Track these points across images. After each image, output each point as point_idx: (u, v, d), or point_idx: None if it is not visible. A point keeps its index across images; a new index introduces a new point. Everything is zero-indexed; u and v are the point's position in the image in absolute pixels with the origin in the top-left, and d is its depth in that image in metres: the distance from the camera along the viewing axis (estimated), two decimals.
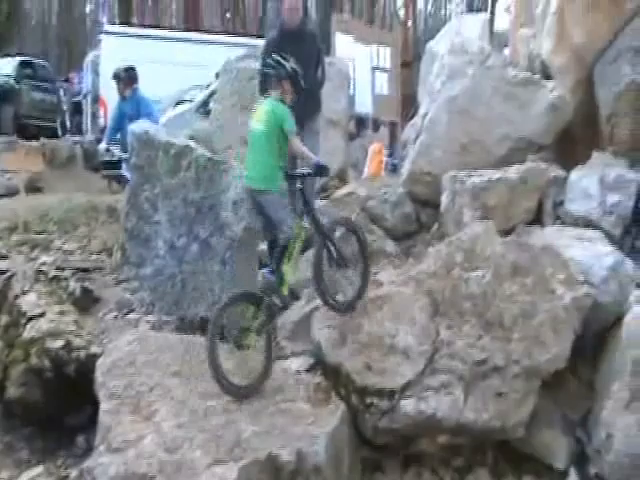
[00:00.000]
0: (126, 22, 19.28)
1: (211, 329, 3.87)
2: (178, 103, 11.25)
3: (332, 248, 4.56)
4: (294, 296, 5.08)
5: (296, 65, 4.47)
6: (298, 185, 4.52)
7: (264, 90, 5.40)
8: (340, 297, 4.55)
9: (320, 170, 4.44)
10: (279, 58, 4.48)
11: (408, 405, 3.83)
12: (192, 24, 21.15)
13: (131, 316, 5.08)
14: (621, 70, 6.32)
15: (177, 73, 12.11)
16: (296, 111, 4.71)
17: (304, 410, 3.82)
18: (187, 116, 10.37)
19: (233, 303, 4.13)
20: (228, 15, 31.35)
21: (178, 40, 13.86)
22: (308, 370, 4.33)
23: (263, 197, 4.38)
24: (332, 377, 4.14)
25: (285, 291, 4.37)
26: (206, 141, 7.61)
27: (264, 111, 4.41)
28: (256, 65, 5.93)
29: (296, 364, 4.42)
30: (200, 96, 10.98)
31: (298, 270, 4.65)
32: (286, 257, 4.31)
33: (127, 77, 7.18)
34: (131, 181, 5.24)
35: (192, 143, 5.03)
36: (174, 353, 4.21)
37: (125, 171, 6.89)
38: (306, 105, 5.29)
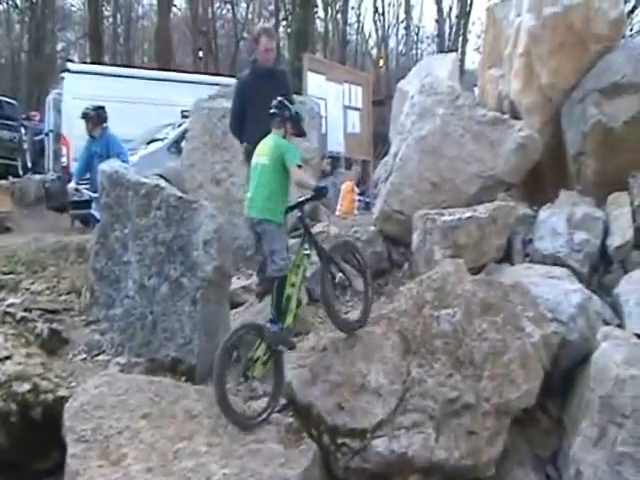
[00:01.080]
0: (97, 61, 19.30)
1: (219, 357, 3.98)
2: (150, 142, 11.25)
3: (335, 271, 4.85)
4: None
5: (295, 110, 4.73)
6: (298, 213, 4.70)
7: (236, 129, 5.47)
8: (350, 316, 4.88)
9: (319, 193, 4.61)
10: (284, 101, 4.71)
11: (380, 444, 3.80)
12: (164, 63, 21.22)
13: (100, 358, 4.97)
14: (587, 111, 6.49)
15: (140, 111, 12.11)
16: None
17: (275, 451, 3.76)
18: (159, 155, 10.36)
19: (242, 333, 4.27)
20: (201, 54, 31.65)
21: (141, 78, 13.82)
22: (279, 411, 4.28)
23: (262, 227, 4.50)
24: (303, 417, 4.10)
25: (289, 320, 4.40)
26: (177, 180, 7.63)
27: (268, 146, 4.58)
28: (227, 104, 5.98)
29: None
30: (172, 135, 11.00)
31: (305, 297, 4.94)
32: (287, 286, 4.42)
33: (96, 116, 7.18)
34: (101, 221, 5.20)
35: (162, 182, 5.03)
36: (144, 395, 4.13)
37: (94, 211, 6.86)
38: None
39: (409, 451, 3.76)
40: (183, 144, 8.11)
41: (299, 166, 4.51)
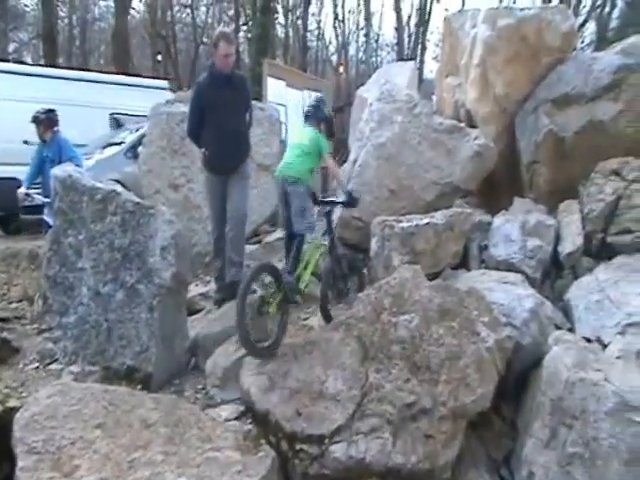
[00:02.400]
0: (51, 62, 18.76)
1: (242, 290, 4.33)
2: (106, 146, 11.05)
3: (338, 273, 5.35)
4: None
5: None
6: (327, 208, 5.34)
7: (194, 135, 5.44)
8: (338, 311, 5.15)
9: (352, 200, 5.29)
10: (319, 103, 5.46)
11: (338, 450, 3.80)
12: (121, 66, 20.85)
13: (53, 367, 4.87)
14: (539, 121, 6.67)
15: (64, 113, 11.78)
16: (225, 155, 4.96)
17: (233, 459, 3.73)
18: (115, 160, 10.18)
19: (264, 271, 4.71)
20: (159, 58, 31.24)
21: (66, 79, 12.82)
22: (237, 418, 4.27)
23: (294, 187, 4.97)
24: (261, 424, 4.08)
25: (303, 289, 4.97)
26: (134, 185, 7.53)
27: (307, 132, 5.23)
28: (186, 109, 5.93)
29: (225, 412, 4.35)
30: (129, 139, 10.82)
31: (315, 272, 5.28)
32: (303, 263, 4.99)
33: (47, 119, 7.04)
34: (53, 227, 5.09)
35: (118, 188, 4.96)
36: (98, 404, 4.04)
37: (47, 216, 6.71)
38: (235, 149, 5.39)
39: (367, 456, 3.77)
40: (140, 149, 7.99)
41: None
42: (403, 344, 4.19)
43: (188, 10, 33.65)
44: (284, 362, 4.39)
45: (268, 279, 4.78)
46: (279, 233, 6.71)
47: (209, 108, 5.31)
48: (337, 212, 6.20)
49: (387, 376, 4.08)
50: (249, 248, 6.58)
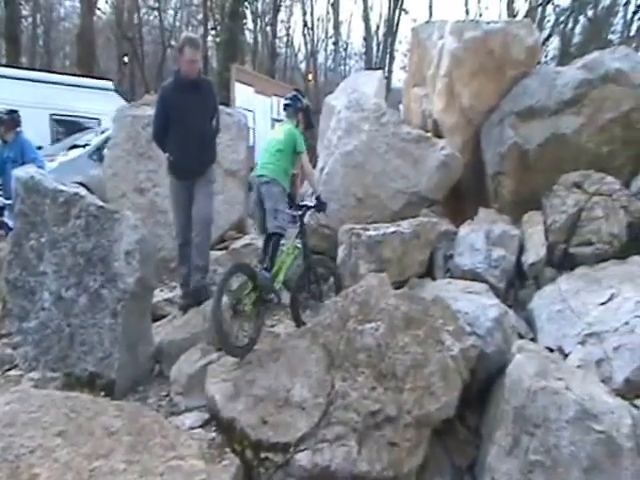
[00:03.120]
0: (14, 63, 18.37)
1: (218, 288, 4.41)
2: (71, 148, 10.86)
3: (312, 278, 5.44)
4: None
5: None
6: (299, 213, 5.39)
7: (159, 140, 5.38)
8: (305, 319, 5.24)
9: (321, 205, 5.41)
10: (297, 94, 5.57)
11: (303, 458, 3.78)
12: (86, 67, 20.52)
13: (12, 373, 4.75)
14: (504, 132, 6.79)
15: None
16: (190, 160, 4.95)
17: (197, 467, 3.67)
18: (80, 162, 10.00)
19: (239, 270, 4.79)
20: (126, 60, 30.90)
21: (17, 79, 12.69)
22: (202, 426, 4.22)
23: (268, 187, 5.05)
24: (226, 432, 4.04)
25: (278, 287, 5.04)
26: (99, 189, 7.41)
27: (283, 128, 5.34)
28: (152, 112, 5.86)
29: (190, 420, 4.30)
30: (94, 141, 10.65)
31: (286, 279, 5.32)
32: (277, 265, 5.04)
33: (10, 120, 6.91)
34: (14, 229, 4.97)
35: (82, 191, 4.87)
36: (59, 411, 3.95)
37: (7, 219, 6.57)
38: (201, 154, 5.34)
39: (332, 464, 3.76)
40: (105, 152, 7.87)
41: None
42: (369, 352, 4.20)
43: (156, 12, 33.39)
44: (250, 369, 4.36)
45: (243, 278, 4.81)
46: (246, 239, 6.68)
47: (174, 113, 5.24)
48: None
49: (353, 384, 4.08)
50: (215, 254, 6.53)
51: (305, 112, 5.50)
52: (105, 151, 8.00)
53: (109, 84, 14.43)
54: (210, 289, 5.27)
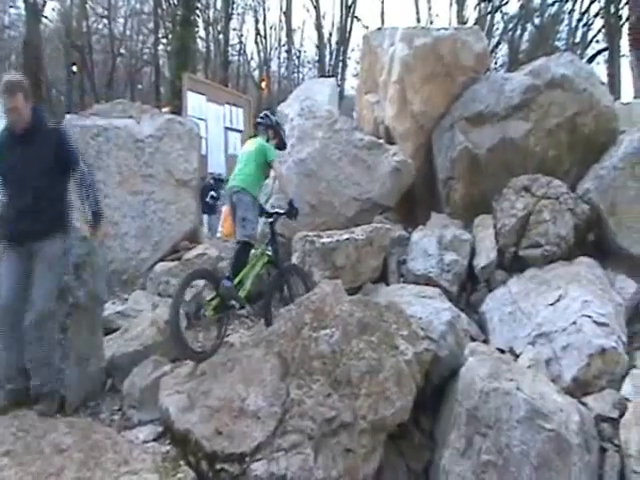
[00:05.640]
0: None
1: (176, 295, 4.45)
2: None
3: (284, 284, 5.46)
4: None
5: None
6: (270, 220, 5.50)
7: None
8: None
9: (292, 211, 5.41)
10: (268, 113, 5.87)
11: (259, 468, 3.75)
12: (33, 76, 20.00)
13: None
14: (455, 138, 6.91)
15: None
16: (23, 220, 4.21)
17: None
18: None
19: (198, 276, 4.93)
20: (75, 69, 30.29)
21: None
22: (156, 439, 4.15)
23: (238, 196, 5.17)
24: (181, 444, 3.98)
25: (243, 294, 5.05)
26: None
27: (254, 141, 5.53)
28: (102, 122, 5.72)
29: (143, 433, 4.23)
30: None
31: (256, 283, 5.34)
32: (246, 270, 5.09)
33: None
34: None
35: None
36: (6, 430, 3.85)
37: None
38: (37, 214, 4.24)
39: (288, 473, 3.74)
40: None
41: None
42: (324, 359, 4.20)
43: (105, 20, 32.88)
44: (204, 380, 4.31)
45: (203, 283, 4.86)
46: (199, 249, 6.61)
47: (5, 168, 4.31)
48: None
49: (308, 392, 4.07)
50: (168, 265, 6.45)
51: (276, 130, 5.67)
52: None
53: None
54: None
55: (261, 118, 5.75)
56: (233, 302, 4.95)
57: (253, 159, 5.33)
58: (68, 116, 7.35)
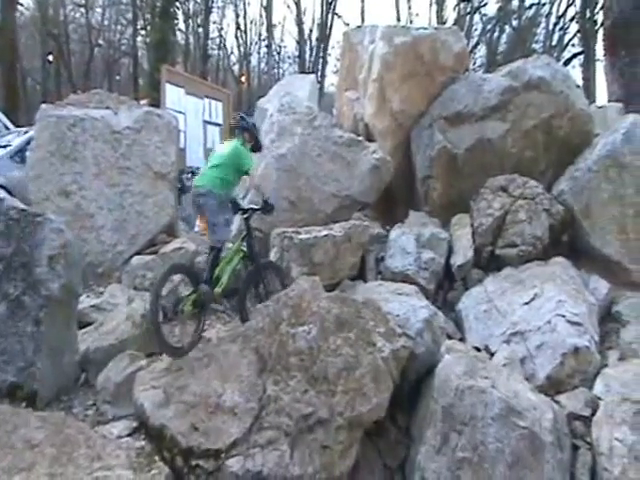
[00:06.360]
0: None
1: (154, 290, 4.44)
2: None
3: (260, 281, 5.44)
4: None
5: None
6: (245, 216, 5.44)
7: None
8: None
9: (267, 207, 5.41)
10: (243, 115, 5.71)
11: (234, 464, 3.74)
12: (8, 64, 19.62)
13: None
14: (434, 137, 6.94)
15: None
16: None
17: (124, 477, 3.58)
18: (0, 163, 9.55)
19: (176, 271, 4.92)
20: (50, 58, 29.81)
21: None
22: (130, 434, 4.11)
23: (205, 199, 5.05)
24: (156, 440, 3.95)
25: (220, 291, 5.06)
26: (21, 191, 7.10)
27: (230, 145, 5.38)
28: (78, 112, 5.61)
29: (117, 429, 4.18)
30: (16, 142, 10.18)
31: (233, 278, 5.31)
32: (223, 263, 5.13)
33: None
34: None
35: (1, 193, 4.66)
36: None
37: None
38: None
39: (264, 469, 3.73)
40: (28, 153, 7.55)
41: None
42: (301, 355, 4.20)
43: (82, 10, 32.41)
44: (180, 375, 4.28)
45: (180, 278, 4.88)
46: (177, 243, 6.56)
47: None
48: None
49: (285, 388, 4.06)
50: (145, 258, 6.39)
51: (251, 132, 5.58)
52: (28, 152, 7.68)
53: None
54: None
55: (236, 120, 5.66)
56: (213, 306, 5.05)
57: (224, 162, 5.21)
58: (44, 106, 7.21)
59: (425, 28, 7.57)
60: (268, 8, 34.21)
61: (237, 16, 34.97)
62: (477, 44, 30.53)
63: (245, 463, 3.75)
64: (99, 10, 34.63)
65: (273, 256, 5.87)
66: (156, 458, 3.85)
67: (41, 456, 3.59)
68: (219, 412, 3.98)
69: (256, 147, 5.73)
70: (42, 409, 4.24)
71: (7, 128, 12.17)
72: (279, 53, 37.74)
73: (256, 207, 5.54)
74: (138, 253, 6.62)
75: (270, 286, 5.48)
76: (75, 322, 4.98)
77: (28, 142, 8.52)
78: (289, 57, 38.00)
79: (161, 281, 4.54)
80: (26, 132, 10.28)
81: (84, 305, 5.60)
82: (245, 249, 5.40)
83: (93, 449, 3.75)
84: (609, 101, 10.43)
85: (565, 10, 28.02)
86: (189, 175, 12.64)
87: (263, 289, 5.48)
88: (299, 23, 33.95)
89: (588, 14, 23.36)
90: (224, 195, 5.14)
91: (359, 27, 8.86)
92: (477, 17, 30.60)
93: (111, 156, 6.91)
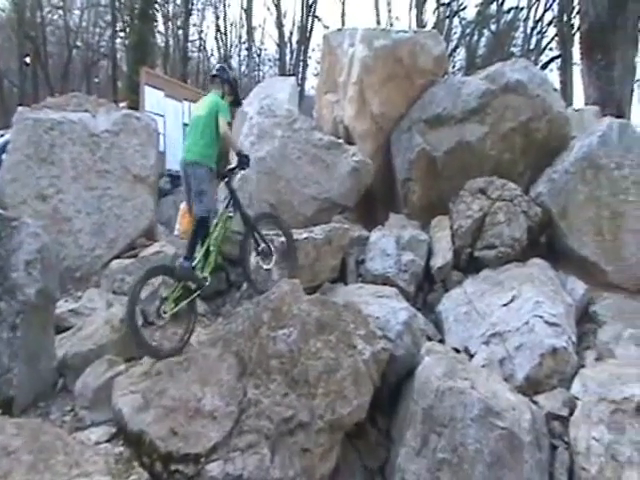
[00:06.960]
0: None
1: (131, 295, 4.37)
2: None
3: (258, 237, 5.36)
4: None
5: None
6: (225, 180, 5.27)
7: None
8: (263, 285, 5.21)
9: (243, 161, 5.23)
10: (225, 66, 5.52)
11: (214, 468, 3.72)
12: None
13: None
14: (413, 139, 6.98)
15: None
16: None
17: None
18: None
19: (154, 274, 4.82)
20: (28, 60, 29.41)
21: None
22: (109, 440, 4.07)
23: (193, 169, 4.95)
24: (134, 446, 3.91)
25: (207, 272, 4.96)
26: None
27: (206, 101, 5.17)
28: (55, 115, 5.57)
29: (95, 435, 4.14)
30: None
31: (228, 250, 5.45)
32: (208, 239, 4.97)
33: None
34: None
35: None
36: None
37: None
38: None
39: (244, 473, 3.72)
40: (4, 156, 7.46)
41: (229, 123, 5.16)
42: (281, 358, 4.19)
43: (60, 11, 32.04)
44: (159, 380, 4.24)
45: (160, 280, 4.82)
46: (156, 247, 6.52)
47: None
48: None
49: (265, 391, 4.06)
50: (124, 262, 6.34)
51: (232, 86, 5.38)
52: (4, 156, 7.59)
53: None
54: None
55: (217, 71, 5.45)
56: (190, 283, 4.84)
57: (204, 126, 5.02)
58: (21, 108, 7.13)
59: (405, 31, 7.59)
60: (248, 11, 34.08)
61: (217, 18, 34.76)
62: (456, 47, 30.69)
63: (225, 467, 3.74)
64: (77, 12, 34.26)
65: (253, 259, 5.84)
66: (135, 464, 3.81)
67: (17, 463, 3.53)
68: (199, 416, 3.95)
69: (236, 102, 5.55)
70: (19, 415, 4.19)
71: None
72: (259, 55, 37.61)
73: (232, 166, 5.39)
74: (117, 257, 6.57)
75: (269, 241, 5.48)
76: (52, 327, 4.92)
77: (4, 145, 8.42)
78: (269, 60, 37.89)
79: (139, 282, 4.48)
80: (2, 135, 10.14)
81: (62, 310, 5.54)
82: (231, 215, 5.25)
83: (71, 456, 3.70)
84: (586, 104, 10.54)
85: (542, 14, 28.26)
86: (168, 178, 12.57)
87: (266, 247, 5.43)
88: (279, 26, 33.86)
89: (565, 18, 23.60)
90: (211, 164, 5.03)
91: (339, 30, 8.86)
92: (456, 21, 30.77)
93: (89, 159, 6.86)
